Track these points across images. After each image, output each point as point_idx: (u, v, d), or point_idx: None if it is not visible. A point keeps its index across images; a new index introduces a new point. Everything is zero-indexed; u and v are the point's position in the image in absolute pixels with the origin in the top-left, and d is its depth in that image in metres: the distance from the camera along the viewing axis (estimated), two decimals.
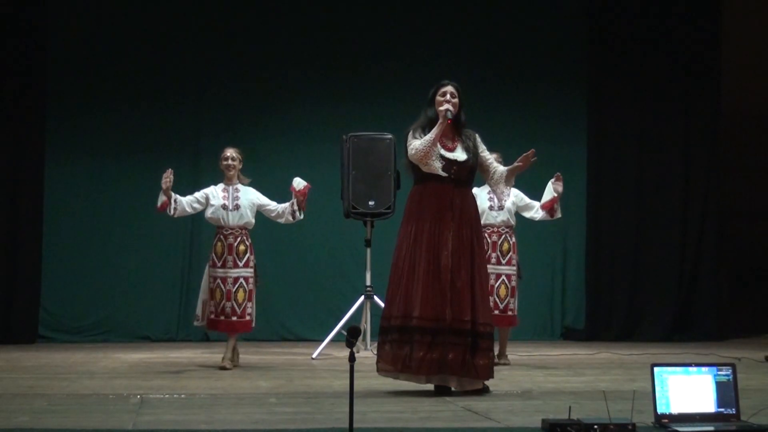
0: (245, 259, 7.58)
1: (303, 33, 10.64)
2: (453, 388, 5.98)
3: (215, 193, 7.65)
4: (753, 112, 12.14)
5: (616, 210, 10.92)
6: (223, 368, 7.45)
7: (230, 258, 7.54)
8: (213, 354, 7.77)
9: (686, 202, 10.98)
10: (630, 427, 4.42)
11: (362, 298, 8.65)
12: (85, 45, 10.35)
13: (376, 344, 8.67)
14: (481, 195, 7.77)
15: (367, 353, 8.55)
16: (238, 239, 7.57)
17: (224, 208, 7.59)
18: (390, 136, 8.79)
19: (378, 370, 6.10)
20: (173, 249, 10.41)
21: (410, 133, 6.14)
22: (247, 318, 7.60)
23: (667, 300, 10.83)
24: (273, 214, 7.78)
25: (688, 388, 4.69)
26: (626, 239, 10.89)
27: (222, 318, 7.52)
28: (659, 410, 4.64)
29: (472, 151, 6.14)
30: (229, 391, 6.17)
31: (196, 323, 7.72)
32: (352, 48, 10.70)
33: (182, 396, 5.87)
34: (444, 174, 6.02)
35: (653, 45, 10.97)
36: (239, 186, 7.71)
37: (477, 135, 6.26)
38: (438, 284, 5.92)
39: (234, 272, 7.53)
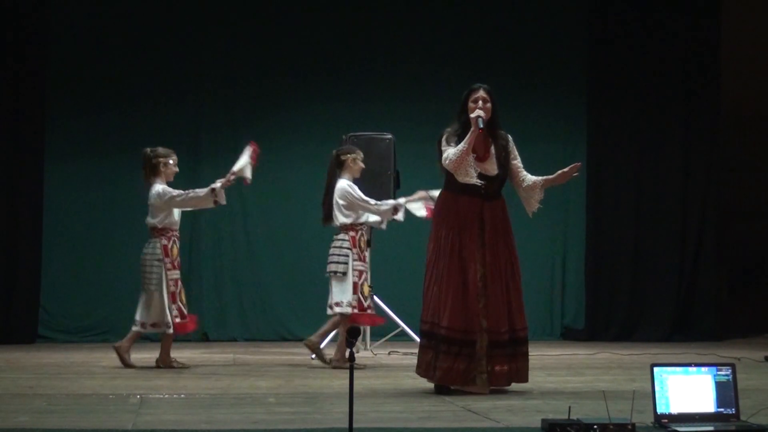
0: None
1: (303, 33, 10.62)
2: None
3: None
4: (753, 112, 12.14)
5: (615, 210, 10.90)
6: (183, 366, 7.47)
7: (178, 260, 7.59)
8: (213, 354, 7.78)
9: (686, 202, 10.96)
10: (629, 427, 4.42)
11: None
12: (85, 45, 10.34)
13: (376, 344, 8.79)
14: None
15: (366, 353, 8.57)
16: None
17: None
18: (390, 136, 8.79)
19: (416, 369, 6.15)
20: None
21: (443, 139, 6.06)
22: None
23: (667, 300, 10.82)
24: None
25: (687, 388, 4.69)
26: (626, 239, 10.88)
27: (187, 319, 7.54)
28: (659, 410, 4.64)
29: (502, 161, 6.10)
30: (229, 391, 6.18)
31: (169, 331, 7.46)
32: (353, 48, 10.68)
33: (182, 396, 5.87)
34: (479, 182, 5.98)
35: (653, 45, 10.95)
36: None
37: (510, 137, 6.23)
38: (466, 296, 5.92)
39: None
